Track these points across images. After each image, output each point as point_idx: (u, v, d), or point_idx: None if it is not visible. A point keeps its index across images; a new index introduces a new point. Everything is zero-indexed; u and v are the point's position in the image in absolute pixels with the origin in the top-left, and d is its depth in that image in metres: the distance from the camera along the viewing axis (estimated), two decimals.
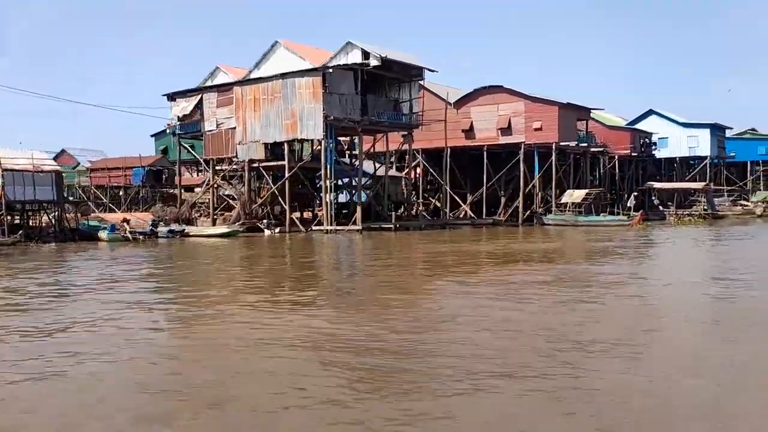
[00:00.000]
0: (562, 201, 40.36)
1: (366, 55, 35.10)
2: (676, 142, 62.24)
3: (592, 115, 58.30)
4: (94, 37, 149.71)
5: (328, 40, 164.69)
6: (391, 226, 35.61)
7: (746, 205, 51.24)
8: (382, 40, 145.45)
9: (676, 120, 63.00)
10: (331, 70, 33.49)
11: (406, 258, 22.52)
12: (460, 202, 47.96)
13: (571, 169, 45.06)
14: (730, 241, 27.58)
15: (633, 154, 56.43)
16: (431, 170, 48.19)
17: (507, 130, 44.72)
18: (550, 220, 40.73)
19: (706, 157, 60.93)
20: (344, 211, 45.54)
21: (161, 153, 54.65)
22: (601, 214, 38.78)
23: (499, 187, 47.20)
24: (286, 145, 35.13)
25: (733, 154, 73.80)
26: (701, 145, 61.36)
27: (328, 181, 34.58)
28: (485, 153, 45.32)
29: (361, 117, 35.05)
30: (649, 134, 61.18)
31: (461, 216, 47.38)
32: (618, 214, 38.92)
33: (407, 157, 44.56)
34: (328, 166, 34.30)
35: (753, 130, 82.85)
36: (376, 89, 38.26)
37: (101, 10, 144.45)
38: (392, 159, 48.78)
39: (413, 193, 52.06)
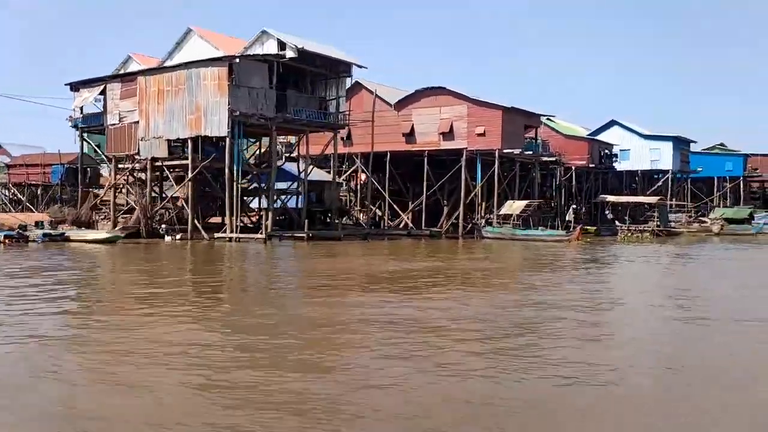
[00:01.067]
0: (502, 212, 37.17)
1: (282, 45, 31.75)
2: (638, 155, 59.52)
3: (549, 123, 55.66)
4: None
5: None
6: (304, 235, 32.13)
7: (704, 222, 48.48)
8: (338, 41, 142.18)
9: (638, 131, 60.32)
10: (237, 60, 30.01)
11: (267, 275, 19.09)
12: (399, 211, 44.66)
13: (516, 179, 41.95)
14: (671, 265, 24.49)
15: (591, 165, 53.56)
16: (370, 176, 44.84)
17: (449, 135, 41.55)
18: (489, 233, 37.55)
19: (668, 171, 58.19)
20: (281, 218, 42.26)
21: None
22: (540, 228, 35.67)
23: (442, 196, 44.02)
24: (190, 142, 31.55)
25: (700, 169, 71.47)
26: (663, 158, 58.67)
27: (236, 185, 31.04)
28: (426, 159, 42.11)
29: (276, 114, 31.62)
30: (609, 145, 58.42)
31: (401, 226, 44.07)
32: (557, 227, 35.74)
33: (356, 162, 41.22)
34: (235, 168, 30.83)
35: (722, 145, 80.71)
36: (301, 85, 34.91)
37: None
38: (327, 163, 45.60)
39: (353, 200, 48.80)
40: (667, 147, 58.64)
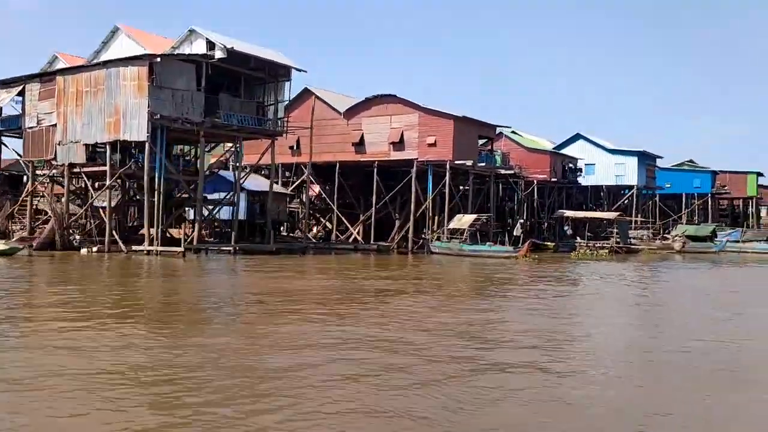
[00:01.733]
0: (450, 226, 35.23)
1: (211, 45, 29.68)
2: (603, 170, 58.14)
3: (511, 135, 54.11)
4: None
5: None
6: (230, 248, 29.90)
7: (666, 239, 46.98)
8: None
9: (603, 146, 59.00)
10: (158, 59, 27.86)
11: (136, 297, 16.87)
12: (348, 224, 42.56)
13: (470, 192, 40.14)
14: (617, 287, 22.63)
15: (553, 179, 51.96)
16: (309, 185, 42.72)
17: (399, 145, 39.65)
18: (437, 248, 35.57)
19: (633, 186, 56.80)
20: (219, 230, 39.99)
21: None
22: (487, 244, 33.76)
23: (394, 208, 42.03)
24: (108, 147, 29.25)
25: (669, 185, 70.48)
26: (628, 173, 57.31)
27: (157, 193, 28.74)
28: (375, 170, 40.14)
29: (203, 118, 29.47)
30: (574, 159, 56.96)
31: (351, 240, 41.95)
32: (505, 243, 33.85)
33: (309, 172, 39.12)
34: (157, 175, 28.57)
35: (691, 161, 79.97)
36: (237, 89, 32.80)
37: None
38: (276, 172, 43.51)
39: (299, 212, 46.63)
40: (632, 162, 57.31)
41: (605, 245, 40.91)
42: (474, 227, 33.88)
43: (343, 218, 42.65)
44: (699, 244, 44.63)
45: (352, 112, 41.27)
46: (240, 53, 29.87)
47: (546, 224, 52.36)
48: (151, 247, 27.97)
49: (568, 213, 44.27)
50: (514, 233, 33.64)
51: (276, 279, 20.83)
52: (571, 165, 56.49)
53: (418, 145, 38.94)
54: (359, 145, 40.83)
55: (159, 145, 28.56)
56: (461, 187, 41.65)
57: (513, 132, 59.72)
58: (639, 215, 56.83)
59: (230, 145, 49.79)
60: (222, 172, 39.30)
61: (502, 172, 44.98)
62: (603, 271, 27.31)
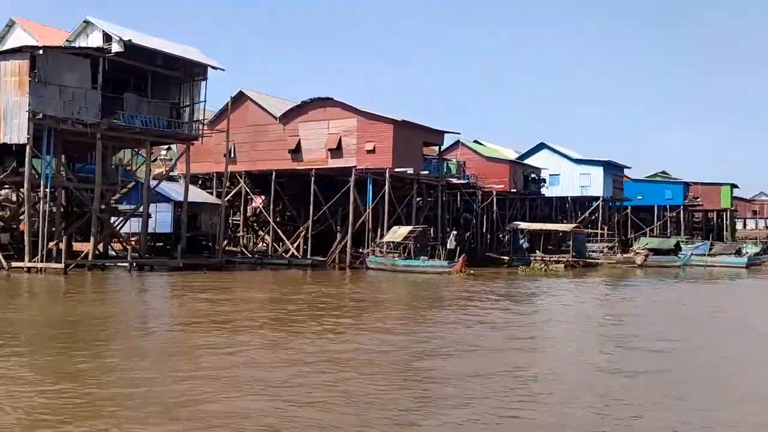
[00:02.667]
0: (385, 239, 32.22)
1: (108, 38, 26.67)
2: (568, 180, 55.51)
3: (468, 144, 51.40)
4: None
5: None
6: (127, 264, 26.68)
7: (629, 253, 44.26)
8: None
9: (568, 155, 56.44)
10: (41, 51, 24.78)
11: None
12: (284, 238, 39.46)
13: (414, 203, 37.17)
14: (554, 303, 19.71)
15: (513, 189, 49.16)
16: (259, 197, 39.73)
17: (337, 152, 36.70)
18: (372, 263, 32.55)
19: (599, 198, 54.17)
20: (155, 244, 36.87)
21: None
22: (421, 258, 30.77)
23: (336, 221, 39.01)
24: None
25: (640, 197, 68.20)
26: (594, 184, 54.70)
27: (42, 203, 25.52)
28: (313, 178, 37.13)
29: (100, 119, 26.36)
30: (537, 169, 54.28)
31: (290, 254, 38.75)
32: (440, 257, 30.81)
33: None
34: (42, 183, 25.38)
35: (664, 173, 77.89)
36: (148, 89, 29.76)
37: None
38: (211, 183, 40.54)
39: (231, 224, 43.48)
40: (598, 172, 54.74)
41: (561, 259, 38.08)
42: (408, 240, 30.85)
43: (280, 231, 39.58)
44: (662, 258, 41.90)
45: (289, 116, 38.30)
46: (141, 47, 26.88)
47: (506, 237, 49.51)
48: (31, 264, 24.67)
49: (523, 225, 41.40)
50: (448, 246, 30.62)
51: (124, 303, 17.72)
52: (534, 175, 53.80)
53: (357, 151, 36.02)
54: (296, 152, 37.84)
55: (47, 148, 25.39)
56: (416, 200, 38.65)
57: (476, 141, 57.12)
58: (606, 228, 54.22)
59: (164, 152, 47.03)
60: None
61: (454, 181, 42.18)
62: (538, 289, 24.33)
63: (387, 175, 34.84)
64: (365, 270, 32.77)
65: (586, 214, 54.53)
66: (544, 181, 54.84)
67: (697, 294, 26.46)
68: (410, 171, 35.15)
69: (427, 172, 36.54)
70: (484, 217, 49.26)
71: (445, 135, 40.87)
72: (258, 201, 45.29)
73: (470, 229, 47.54)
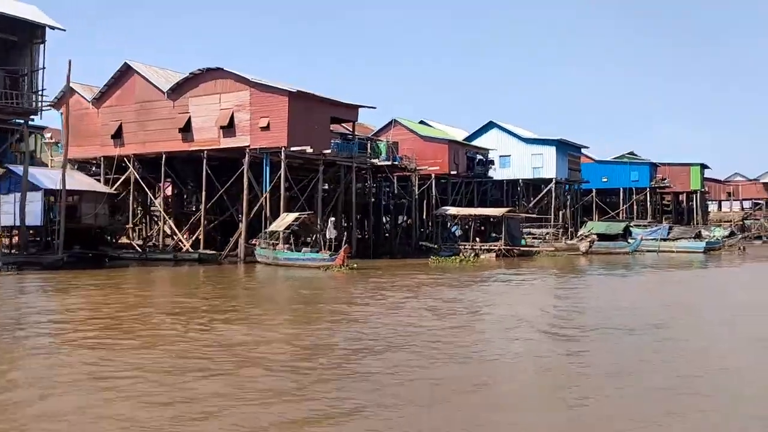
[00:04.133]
0: (270, 229, 27.60)
1: None
2: (519, 162, 51.00)
3: (403, 122, 46.76)
4: None
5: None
6: None
7: (572, 239, 39.90)
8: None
9: (518, 135, 51.88)
10: None
11: None
12: (175, 229, 34.79)
13: (319, 186, 32.48)
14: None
15: (452, 172, 44.59)
16: (143, 183, 34.90)
17: (230, 130, 32.02)
18: (259, 256, 27.97)
19: (551, 180, 49.71)
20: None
21: None
22: (303, 250, 26.17)
23: (237, 209, 34.34)
24: None
25: (606, 179, 63.97)
26: (547, 164, 50.17)
27: None
28: (205, 161, 32.46)
29: None
30: (484, 150, 49.79)
31: (185, 249, 34.03)
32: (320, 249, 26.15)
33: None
34: None
35: (632, 153, 73.47)
36: None
37: None
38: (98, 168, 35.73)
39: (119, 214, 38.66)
40: (550, 152, 50.20)
41: (492, 248, 33.66)
42: (290, 229, 26.21)
43: (171, 222, 34.91)
44: (610, 244, 37.65)
45: (178, 91, 33.51)
46: None
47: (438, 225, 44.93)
48: None
49: (452, 210, 36.86)
50: (327, 235, 26.03)
51: None
52: (481, 156, 49.31)
53: (250, 129, 31.35)
54: (186, 131, 33.11)
55: None
56: (321, 184, 33.96)
57: (421, 122, 52.53)
58: (560, 212, 49.83)
59: (48, 135, 42.14)
60: (14, 168, 31.44)
61: (378, 163, 37.58)
62: (432, 291, 19.79)
63: (283, 155, 30.19)
64: (256, 263, 28.22)
65: (539, 197, 50.19)
66: (492, 162, 50.38)
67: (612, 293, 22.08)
68: (309, 150, 30.46)
69: (329, 151, 31.80)
70: (424, 202, 44.76)
71: (366, 111, 36.32)
72: (168, 191, 40.60)
73: (409, 216, 43.09)
